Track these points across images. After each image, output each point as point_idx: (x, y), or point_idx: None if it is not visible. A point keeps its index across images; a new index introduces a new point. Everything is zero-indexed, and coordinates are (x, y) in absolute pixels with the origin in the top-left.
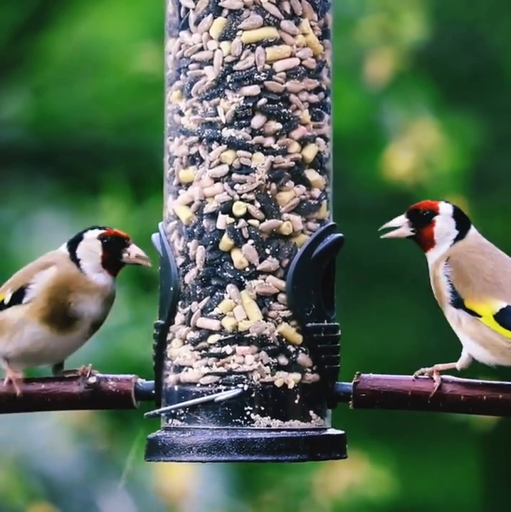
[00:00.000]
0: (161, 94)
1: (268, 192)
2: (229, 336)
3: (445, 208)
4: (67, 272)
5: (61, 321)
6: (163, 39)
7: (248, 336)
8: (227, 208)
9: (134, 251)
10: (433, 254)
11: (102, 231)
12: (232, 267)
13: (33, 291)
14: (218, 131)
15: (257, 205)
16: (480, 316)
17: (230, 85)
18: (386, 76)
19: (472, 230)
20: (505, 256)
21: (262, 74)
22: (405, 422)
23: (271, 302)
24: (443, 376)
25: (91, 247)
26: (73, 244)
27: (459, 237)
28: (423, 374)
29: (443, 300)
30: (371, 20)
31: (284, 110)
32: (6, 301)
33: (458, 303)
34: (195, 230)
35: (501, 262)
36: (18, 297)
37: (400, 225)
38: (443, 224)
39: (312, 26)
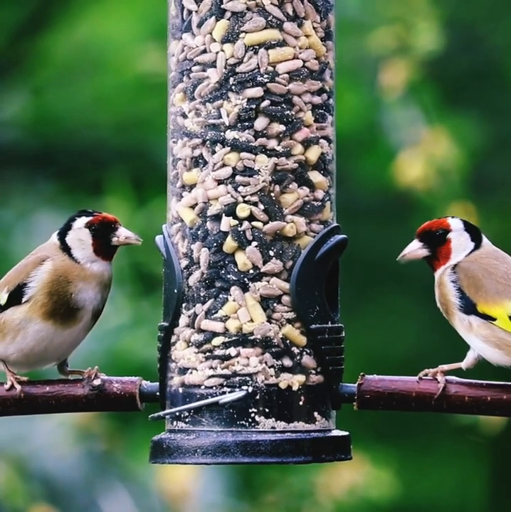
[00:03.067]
0: (162, 94)
1: (272, 194)
2: (233, 338)
3: (455, 224)
4: (62, 263)
5: (64, 313)
6: (163, 40)
7: (252, 338)
8: (231, 210)
9: (123, 233)
10: (442, 268)
11: (90, 219)
12: (236, 269)
13: (31, 289)
14: (222, 133)
15: (261, 207)
16: (494, 319)
17: (233, 87)
18: (399, 86)
19: (485, 239)
20: None
21: (265, 76)
22: (407, 424)
23: (275, 304)
24: (447, 377)
25: (80, 237)
26: (63, 234)
27: (475, 248)
28: (427, 375)
29: (449, 307)
30: (386, 30)
31: (287, 112)
32: (2, 302)
33: (470, 308)
34: (199, 232)
35: None
36: (16, 297)
37: (418, 247)
38: (459, 239)
39: (314, 28)
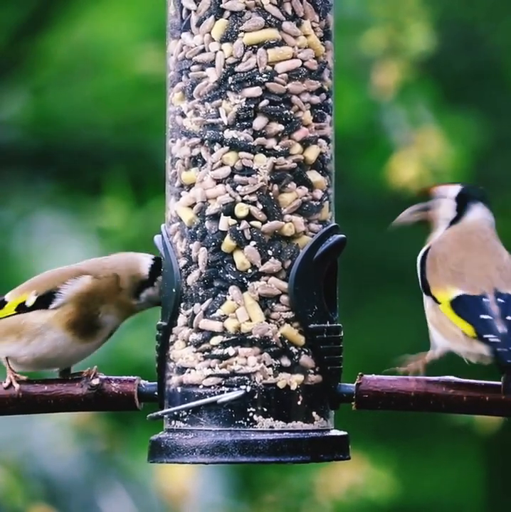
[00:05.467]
0: (162, 94)
1: (270, 193)
2: (232, 338)
3: (452, 191)
4: (109, 286)
5: (85, 328)
6: (163, 40)
7: (250, 337)
8: (229, 210)
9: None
10: (431, 237)
11: None
12: (234, 269)
13: (63, 297)
14: (220, 133)
15: (260, 206)
16: (439, 303)
17: (232, 87)
18: (392, 87)
19: (472, 217)
20: (489, 248)
21: (264, 75)
22: (407, 424)
23: (273, 303)
24: (446, 377)
25: (150, 294)
26: (155, 270)
27: (454, 221)
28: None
29: (420, 284)
30: (378, 32)
31: (286, 111)
32: (29, 303)
33: (426, 289)
34: (197, 232)
35: (475, 254)
36: (44, 301)
37: (418, 209)
38: (445, 206)
39: (313, 27)
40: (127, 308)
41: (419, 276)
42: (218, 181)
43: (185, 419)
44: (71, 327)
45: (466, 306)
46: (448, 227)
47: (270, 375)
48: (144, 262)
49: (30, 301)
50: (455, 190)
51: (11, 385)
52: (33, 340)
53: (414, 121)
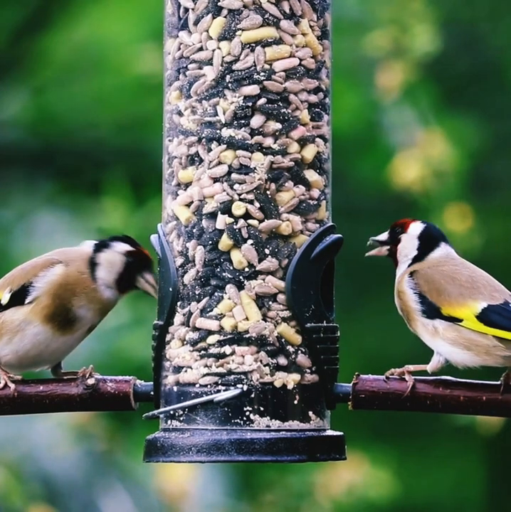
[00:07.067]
0: (161, 94)
1: (268, 192)
2: (228, 337)
3: (413, 228)
4: (77, 274)
5: (62, 320)
6: (162, 39)
7: (247, 336)
8: (226, 208)
9: (150, 279)
10: (397, 271)
11: (132, 248)
12: (231, 267)
13: (37, 290)
14: (218, 131)
15: (257, 205)
16: (460, 320)
17: (229, 85)
18: (396, 88)
19: (438, 252)
20: (477, 268)
21: (262, 74)
22: (406, 424)
23: (270, 302)
24: (443, 376)
25: (113, 260)
26: (98, 249)
27: (417, 259)
28: (393, 374)
29: (411, 313)
30: (382, 33)
31: (283, 110)
32: (4, 301)
33: (433, 312)
34: (194, 230)
35: (474, 269)
36: (19, 297)
37: (383, 240)
38: (406, 243)
39: (311, 26)
40: (97, 301)
41: (411, 303)
42: (216, 180)
43: (181, 419)
44: (49, 320)
45: (499, 314)
46: (410, 264)
47: (266, 374)
48: (88, 244)
49: (4, 298)
50: (417, 228)
51: (6, 385)
52: (14, 338)
53: (417, 122)
